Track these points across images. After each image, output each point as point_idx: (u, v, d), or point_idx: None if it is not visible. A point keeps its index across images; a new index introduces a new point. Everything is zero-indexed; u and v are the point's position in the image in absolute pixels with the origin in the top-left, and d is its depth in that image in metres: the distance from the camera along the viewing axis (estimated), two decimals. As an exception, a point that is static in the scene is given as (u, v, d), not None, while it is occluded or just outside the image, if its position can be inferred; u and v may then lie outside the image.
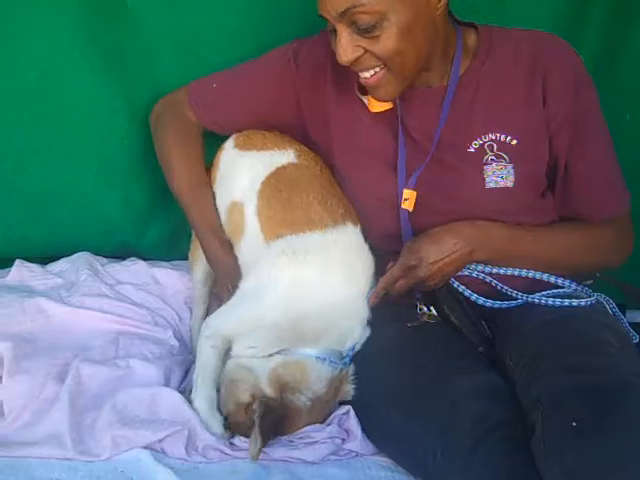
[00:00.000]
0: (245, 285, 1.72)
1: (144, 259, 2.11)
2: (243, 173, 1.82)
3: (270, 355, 1.63)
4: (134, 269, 2.06)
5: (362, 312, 1.69)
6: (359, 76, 1.57)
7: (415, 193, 1.64)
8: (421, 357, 1.59)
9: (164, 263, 2.11)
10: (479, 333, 1.68)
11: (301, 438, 1.60)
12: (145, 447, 1.52)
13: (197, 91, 1.86)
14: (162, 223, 2.16)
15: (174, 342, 1.85)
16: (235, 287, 1.74)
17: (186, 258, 2.09)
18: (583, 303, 1.64)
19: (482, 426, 1.39)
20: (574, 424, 1.29)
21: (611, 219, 1.71)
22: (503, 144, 1.64)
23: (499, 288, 1.67)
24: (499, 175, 1.63)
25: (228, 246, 1.80)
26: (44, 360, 1.68)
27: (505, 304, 1.67)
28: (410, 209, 1.65)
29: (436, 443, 1.43)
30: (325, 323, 1.65)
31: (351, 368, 1.67)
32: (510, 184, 1.63)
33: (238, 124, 1.89)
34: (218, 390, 1.66)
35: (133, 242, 2.16)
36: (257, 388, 1.58)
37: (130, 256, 2.13)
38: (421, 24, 1.49)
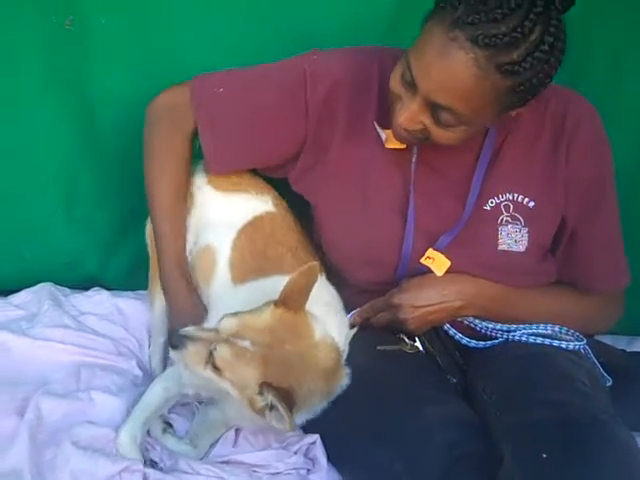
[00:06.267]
0: None
1: (108, 289, 2.09)
2: (219, 218, 1.76)
3: None
4: (97, 299, 2.03)
5: None
6: (391, 113, 1.51)
7: (442, 257, 1.60)
8: (391, 385, 1.58)
9: (128, 293, 2.09)
10: (453, 363, 1.68)
11: (263, 467, 1.59)
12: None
13: (201, 91, 1.68)
14: (126, 253, 2.15)
15: (138, 372, 1.82)
16: None
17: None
18: (571, 346, 1.62)
19: (450, 456, 1.39)
20: (544, 455, 1.30)
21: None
22: (520, 205, 1.62)
23: (483, 332, 1.67)
24: (513, 238, 1.61)
25: (193, 289, 1.73)
26: (3, 394, 1.65)
27: (489, 344, 1.66)
28: (439, 272, 1.60)
29: (404, 473, 1.43)
30: None
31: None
32: (522, 249, 1.61)
33: (235, 134, 1.70)
34: None
35: (97, 273, 2.15)
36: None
37: (94, 287, 2.11)
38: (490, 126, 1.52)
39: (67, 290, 2.08)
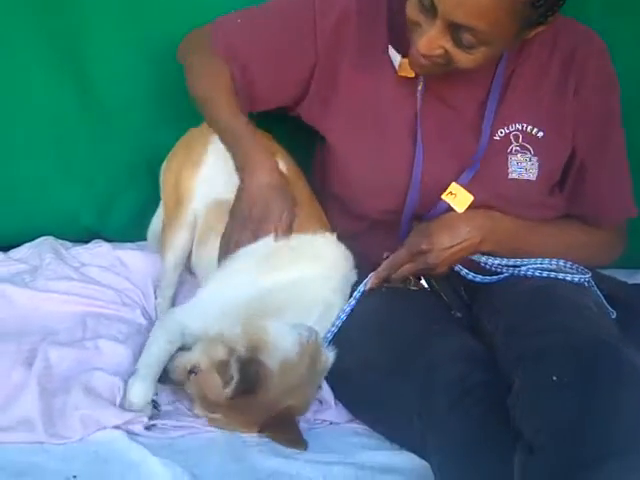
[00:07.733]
0: (213, 284, 1.70)
1: (109, 242, 2.08)
2: (230, 171, 1.74)
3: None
4: (99, 251, 2.03)
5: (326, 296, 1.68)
6: (407, 43, 1.50)
7: (466, 192, 1.60)
8: (398, 321, 1.59)
9: (129, 244, 2.08)
10: (458, 298, 1.68)
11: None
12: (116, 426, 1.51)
13: (222, 26, 1.73)
14: (126, 205, 2.13)
15: (142, 321, 1.83)
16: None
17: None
18: (577, 279, 1.62)
19: (459, 388, 1.40)
20: (554, 378, 1.30)
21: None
22: (529, 135, 1.62)
23: (488, 268, 1.67)
24: (523, 167, 1.62)
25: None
26: (10, 346, 1.64)
27: (495, 278, 1.67)
28: (460, 209, 1.61)
29: (413, 405, 1.43)
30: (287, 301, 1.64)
31: (319, 336, 1.62)
32: (533, 177, 1.62)
33: (254, 59, 1.71)
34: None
35: (97, 226, 2.13)
36: (231, 347, 1.54)
37: (94, 239, 2.11)
38: (510, 48, 1.52)
39: (68, 243, 2.08)
